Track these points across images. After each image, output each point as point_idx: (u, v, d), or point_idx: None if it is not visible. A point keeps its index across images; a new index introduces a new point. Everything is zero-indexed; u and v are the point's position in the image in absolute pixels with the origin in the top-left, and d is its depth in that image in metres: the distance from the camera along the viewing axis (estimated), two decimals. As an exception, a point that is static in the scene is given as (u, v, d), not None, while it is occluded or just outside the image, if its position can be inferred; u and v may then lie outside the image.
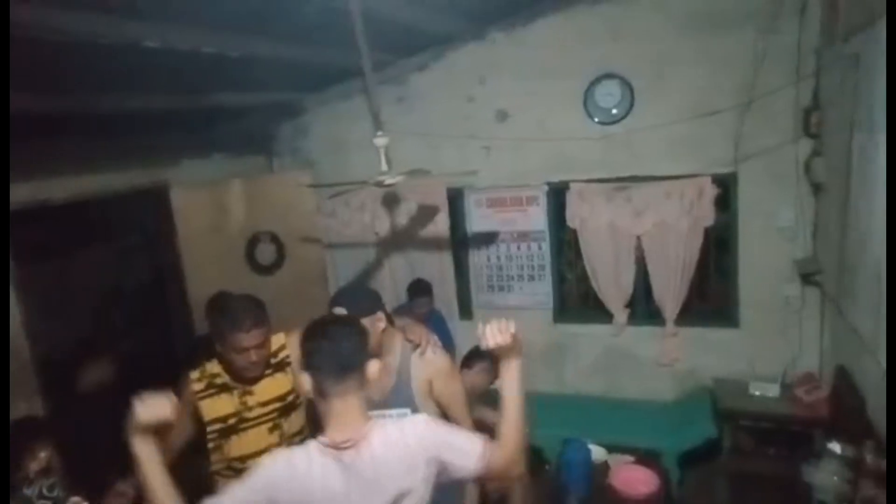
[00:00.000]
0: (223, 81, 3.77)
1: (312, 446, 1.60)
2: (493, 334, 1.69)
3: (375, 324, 2.21)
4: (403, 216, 5.05)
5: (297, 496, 1.55)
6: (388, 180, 3.22)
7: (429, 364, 2.32)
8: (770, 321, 4.27)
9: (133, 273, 4.64)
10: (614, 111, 4.36)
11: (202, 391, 2.32)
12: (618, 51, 4.31)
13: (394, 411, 2.26)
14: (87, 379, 3.50)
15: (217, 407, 2.32)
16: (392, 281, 5.02)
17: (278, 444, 2.32)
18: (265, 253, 5.01)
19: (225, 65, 3.31)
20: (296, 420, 2.44)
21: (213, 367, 2.35)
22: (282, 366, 2.40)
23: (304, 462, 1.57)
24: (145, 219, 4.55)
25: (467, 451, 1.65)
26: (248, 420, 2.34)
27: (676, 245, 4.38)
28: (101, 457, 3.30)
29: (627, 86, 4.31)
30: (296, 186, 4.59)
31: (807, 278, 4.11)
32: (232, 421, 2.32)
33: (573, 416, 4.39)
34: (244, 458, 2.32)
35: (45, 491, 2.84)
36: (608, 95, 4.35)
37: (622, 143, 4.40)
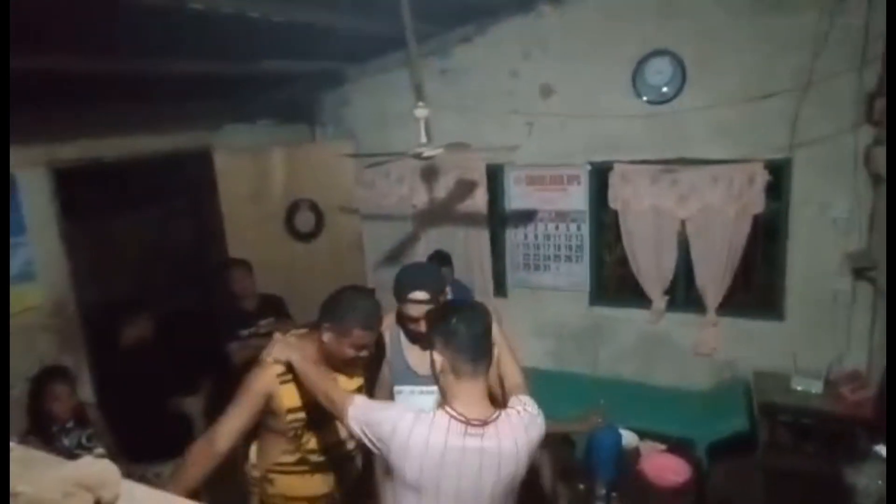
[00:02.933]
0: (267, 47, 3.77)
1: (439, 415, 1.69)
2: None
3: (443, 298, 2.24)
4: (442, 190, 5.01)
5: (414, 447, 1.64)
6: (427, 152, 3.18)
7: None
8: (817, 315, 4.10)
9: (177, 234, 4.74)
10: (664, 90, 4.20)
11: (283, 375, 2.11)
12: (670, 27, 4.14)
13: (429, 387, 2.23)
14: (131, 336, 3.60)
15: (300, 395, 2.13)
16: (426, 254, 4.99)
17: (351, 438, 2.21)
18: (304, 220, 5.06)
19: (269, 30, 3.30)
20: None
21: None
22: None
23: (428, 423, 1.66)
24: (190, 182, 4.63)
25: (540, 414, 1.81)
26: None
27: (722, 232, 4.23)
28: (142, 409, 3.44)
29: (679, 64, 4.14)
30: (336, 156, 4.59)
31: (859, 273, 3.93)
32: (315, 411, 2.14)
33: (605, 400, 4.32)
34: (321, 451, 2.24)
35: (83, 441, 2.96)
36: (658, 73, 4.19)
37: (670, 124, 4.24)
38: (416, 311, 2.17)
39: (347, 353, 2.12)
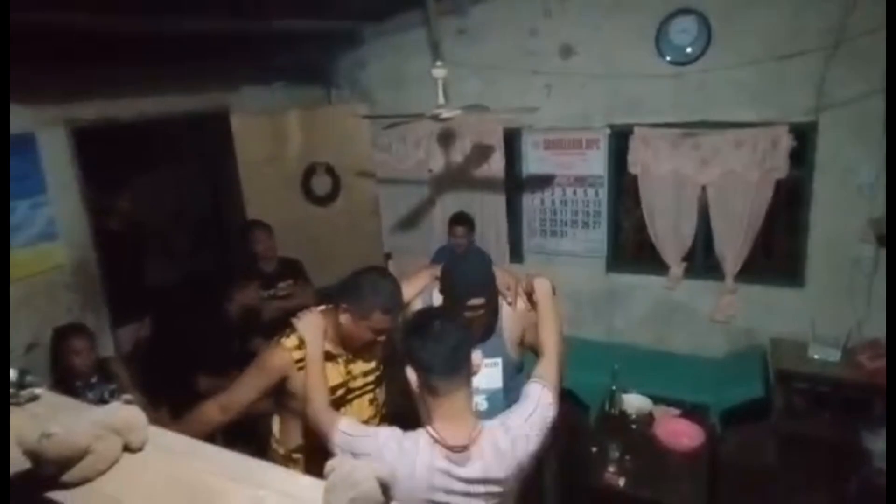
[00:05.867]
0: (282, 5, 3.71)
1: (422, 437, 1.60)
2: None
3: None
4: (458, 154, 4.97)
5: (401, 476, 1.55)
6: (445, 114, 3.15)
7: (522, 316, 2.24)
8: (838, 283, 4.05)
9: (195, 196, 4.76)
10: (689, 50, 4.09)
11: (301, 361, 2.05)
12: (697, -16, 4.01)
13: (482, 360, 2.21)
14: (152, 296, 3.68)
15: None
16: (443, 219, 4.98)
17: (374, 417, 2.23)
18: (321, 184, 5.04)
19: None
20: (385, 390, 2.33)
21: None
22: None
23: (413, 448, 1.58)
24: (207, 144, 4.63)
25: (548, 407, 1.73)
26: (353, 391, 2.17)
27: (744, 197, 4.16)
28: (162, 364, 3.52)
29: (705, 22, 4.02)
30: (352, 118, 4.54)
31: (883, 240, 3.85)
32: (340, 392, 2.12)
33: (619, 365, 4.34)
34: None
35: (105, 396, 3.03)
36: (683, 32, 4.07)
37: (694, 86, 4.15)
38: (471, 314, 2.06)
39: (365, 337, 2.07)
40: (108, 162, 3.79)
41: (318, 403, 1.87)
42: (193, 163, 4.62)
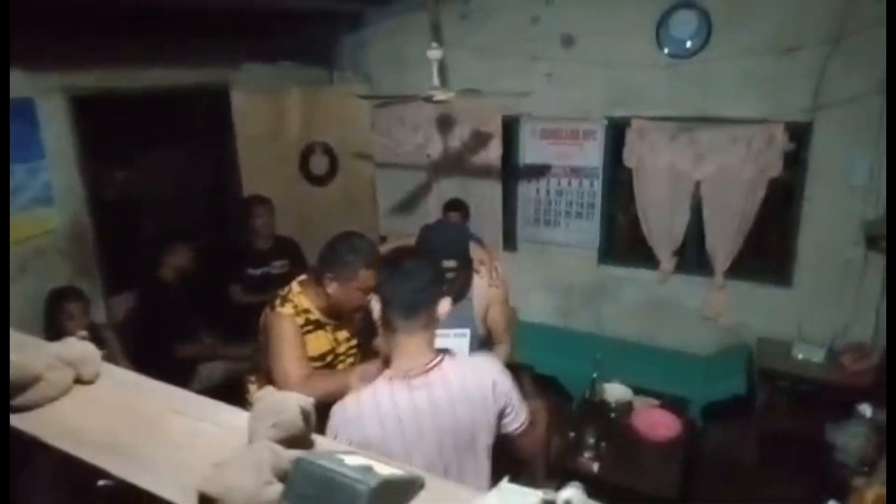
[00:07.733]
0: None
1: (379, 381, 1.61)
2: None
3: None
4: (456, 140, 4.99)
5: (373, 431, 1.53)
6: (439, 95, 3.18)
7: (491, 292, 2.36)
8: (826, 284, 4.06)
9: (192, 170, 4.78)
10: (688, 44, 4.08)
11: (303, 326, 2.15)
12: (700, -23, 4.00)
13: (452, 331, 2.23)
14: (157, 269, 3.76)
15: (316, 344, 2.19)
16: (438, 205, 5.02)
17: None
18: (319, 164, 5.07)
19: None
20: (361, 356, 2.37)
21: (301, 301, 2.18)
22: None
23: (371, 397, 1.57)
24: (206, 119, 4.66)
25: (519, 414, 1.69)
26: (339, 356, 2.26)
27: (737, 194, 4.17)
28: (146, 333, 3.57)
29: (705, 16, 4.02)
30: (353, 100, 4.58)
31: (874, 242, 3.86)
32: (329, 358, 2.22)
33: (604, 357, 4.37)
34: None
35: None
36: (684, 25, 4.07)
37: (692, 80, 4.15)
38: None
39: (356, 298, 2.09)
40: (108, 132, 3.82)
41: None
42: (193, 137, 4.65)
